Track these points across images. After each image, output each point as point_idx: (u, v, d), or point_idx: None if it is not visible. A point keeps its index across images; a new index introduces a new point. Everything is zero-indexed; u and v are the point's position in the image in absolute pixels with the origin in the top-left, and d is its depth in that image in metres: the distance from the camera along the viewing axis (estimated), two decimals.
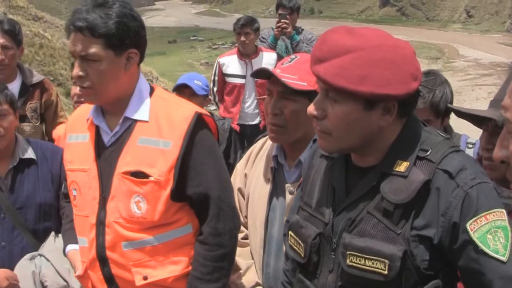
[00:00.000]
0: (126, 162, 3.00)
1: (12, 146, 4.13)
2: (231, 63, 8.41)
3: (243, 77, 8.26)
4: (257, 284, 3.34)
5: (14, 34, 5.46)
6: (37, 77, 5.77)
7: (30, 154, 4.15)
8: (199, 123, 3.02)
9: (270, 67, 8.04)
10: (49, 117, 5.77)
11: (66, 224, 3.56)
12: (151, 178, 2.95)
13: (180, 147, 2.96)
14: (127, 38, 2.97)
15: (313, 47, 2.29)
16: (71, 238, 3.40)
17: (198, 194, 3.02)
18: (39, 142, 4.44)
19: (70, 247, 3.46)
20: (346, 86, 2.16)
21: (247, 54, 8.35)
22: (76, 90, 4.61)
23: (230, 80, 8.33)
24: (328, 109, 2.24)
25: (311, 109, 2.28)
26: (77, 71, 2.94)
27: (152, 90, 3.15)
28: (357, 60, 2.17)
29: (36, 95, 5.54)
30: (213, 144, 3.10)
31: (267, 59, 8.30)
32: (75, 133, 3.22)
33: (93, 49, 2.89)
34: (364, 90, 2.16)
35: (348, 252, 2.25)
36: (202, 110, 3.11)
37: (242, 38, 8.29)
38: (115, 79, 2.97)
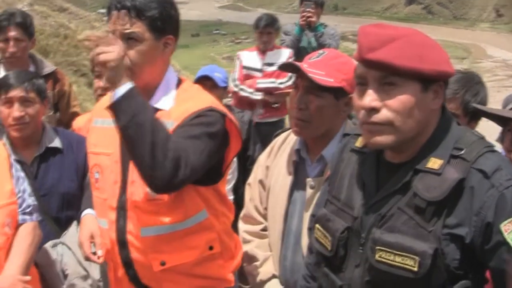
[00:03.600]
0: None
1: (39, 134, 4.18)
2: (249, 57, 8.42)
3: (259, 70, 8.28)
4: (274, 276, 3.37)
5: (25, 26, 5.50)
6: (49, 68, 5.82)
7: (56, 143, 4.19)
8: (207, 113, 2.98)
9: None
10: (62, 107, 5.81)
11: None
12: None
13: (176, 126, 2.93)
14: (168, 24, 3.01)
15: (358, 40, 2.27)
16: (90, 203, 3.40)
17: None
18: (66, 132, 4.50)
19: (88, 211, 3.48)
20: (410, 65, 2.16)
21: (265, 50, 8.37)
22: (99, 83, 4.60)
23: (247, 72, 8.35)
24: (385, 99, 2.21)
25: (367, 102, 2.22)
26: None
27: (179, 82, 3.17)
28: (408, 43, 2.20)
29: (48, 85, 5.49)
30: (210, 128, 2.96)
31: (281, 55, 8.31)
32: (102, 117, 3.22)
33: (138, 29, 2.92)
34: (426, 67, 2.18)
35: (377, 247, 2.24)
36: (220, 107, 3.08)
37: (264, 38, 8.30)
38: (151, 62, 2.99)
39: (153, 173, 2.73)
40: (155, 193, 2.90)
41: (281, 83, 8.02)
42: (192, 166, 2.81)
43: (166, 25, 3.01)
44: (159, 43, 3.01)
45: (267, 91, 8.07)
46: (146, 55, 2.96)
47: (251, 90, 8.13)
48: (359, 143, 2.51)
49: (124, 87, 2.74)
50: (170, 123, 2.93)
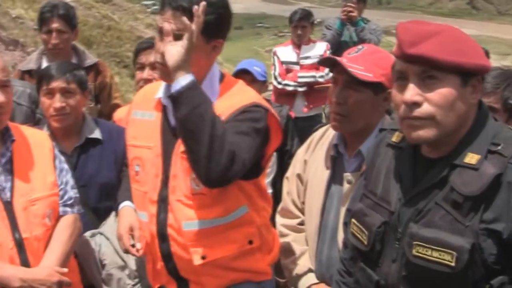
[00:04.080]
0: None
1: (80, 125, 4.23)
2: (285, 52, 8.50)
3: (296, 63, 8.30)
4: (310, 270, 3.38)
5: (68, 18, 5.55)
6: (91, 60, 5.87)
7: (96, 134, 4.23)
8: (253, 109, 3.01)
9: (319, 57, 8.06)
10: (103, 98, 5.85)
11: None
12: None
13: (224, 120, 2.93)
14: (221, 29, 3.03)
15: (398, 36, 2.28)
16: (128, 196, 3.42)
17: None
18: (106, 123, 4.54)
19: (126, 203, 3.48)
20: (450, 59, 2.18)
21: (300, 44, 8.41)
22: (142, 75, 4.61)
23: (286, 66, 8.37)
24: (426, 93, 2.22)
25: (408, 96, 2.23)
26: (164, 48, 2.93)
27: (222, 77, 3.18)
28: (447, 38, 2.23)
29: (90, 77, 5.55)
30: (254, 123, 2.99)
31: (317, 48, 8.35)
32: (141, 110, 3.25)
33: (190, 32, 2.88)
34: (466, 61, 2.20)
35: (414, 242, 2.25)
36: (263, 102, 3.10)
37: (299, 32, 8.38)
38: (196, 64, 2.97)
39: (209, 165, 2.76)
40: (207, 186, 2.92)
41: (321, 77, 8.03)
42: (243, 161, 2.86)
43: (218, 30, 3.02)
44: (208, 46, 3.02)
45: (308, 85, 8.09)
46: (193, 56, 2.93)
47: (294, 83, 8.16)
48: (395, 138, 2.52)
49: (185, 78, 2.79)
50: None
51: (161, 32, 2.96)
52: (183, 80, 2.78)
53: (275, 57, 8.51)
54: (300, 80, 8.18)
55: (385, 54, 3.22)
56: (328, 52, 8.23)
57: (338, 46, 8.19)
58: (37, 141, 3.47)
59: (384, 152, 2.55)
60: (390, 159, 2.51)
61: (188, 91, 2.78)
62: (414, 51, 2.20)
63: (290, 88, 8.21)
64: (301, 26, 8.36)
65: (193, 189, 3.01)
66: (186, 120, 2.78)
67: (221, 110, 2.95)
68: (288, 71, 8.32)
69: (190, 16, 2.85)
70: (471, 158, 2.22)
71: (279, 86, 8.27)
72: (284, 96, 8.17)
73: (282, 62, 8.37)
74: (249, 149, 2.91)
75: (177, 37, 2.89)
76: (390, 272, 2.38)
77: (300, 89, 8.23)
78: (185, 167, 2.99)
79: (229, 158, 2.77)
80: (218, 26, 2.98)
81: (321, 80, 8.06)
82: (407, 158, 2.44)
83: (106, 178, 4.13)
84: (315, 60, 7.87)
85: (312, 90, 8.18)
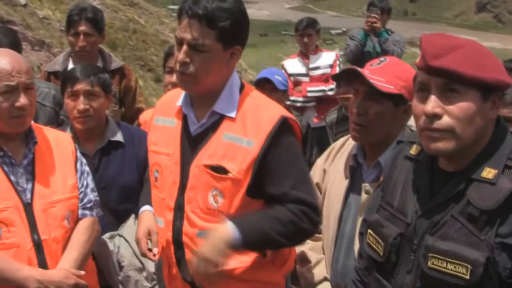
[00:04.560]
0: (208, 155, 3.04)
1: (102, 127, 4.27)
2: (293, 64, 8.51)
3: (306, 75, 8.31)
4: (325, 279, 3.39)
5: (96, 21, 5.62)
6: (116, 63, 5.92)
7: (119, 137, 4.28)
8: (283, 126, 3.02)
9: (329, 67, 8.02)
10: (127, 102, 5.89)
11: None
12: (230, 175, 2.98)
13: (261, 147, 2.97)
14: (237, 35, 3.03)
15: (422, 47, 2.30)
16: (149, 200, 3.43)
17: (281, 193, 3.02)
18: (128, 126, 4.58)
19: (146, 207, 3.47)
20: (473, 73, 2.20)
21: (307, 53, 8.43)
22: (170, 78, 4.61)
23: (295, 79, 8.37)
24: (447, 105, 2.23)
25: (429, 108, 2.24)
26: (183, 57, 2.96)
27: (242, 87, 3.19)
28: (470, 52, 2.24)
29: (115, 80, 5.63)
30: (295, 146, 3.10)
31: (326, 58, 8.37)
32: (163, 116, 3.28)
33: (206, 41, 2.92)
34: (488, 76, 2.21)
35: (430, 254, 2.26)
36: (289, 114, 3.12)
37: (305, 40, 8.40)
38: (216, 72, 3.01)
39: (302, 237, 3.20)
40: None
41: (330, 90, 8.03)
42: (308, 188, 3.10)
43: (235, 36, 3.02)
44: (226, 53, 3.02)
45: (318, 99, 8.08)
46: (211, 64, 2.98)
47: (302, 99, 8.19)
48: (413, 150, 2.53)
49: (237, 240, 2.89)
50: (251, 142, 2.98)
51: (178, 41, 3.00)
52: (238, 243, 2.90)
53: (282, 71, 8.48)
54: (309, 94, 8.19)
55: (406, 67, 3.23)
56: (338, 61, 8.26)
57: (362, 56, 8.16)
58: (59, 143, 3.50)
59: (402, 165, 2.56)
60: (407, 171, 2.52)
61: (247, 245, 2.93)
62: (437, 64, 2.22)
63: (298, 104, 8.24)
64: (307, 34, 8.39)
65: (210, 204, 3.03)
66: (260, 250, 3.09)
67: (253, 132, 3.00)
68: (297, 83, 8.32)
69: (206, 24, 2.89)
70: (488, 172, 2.23)
71: (288, 102, 8.29)
72: (294, 108, 8.20)
73: (290, 75, 8.33)
74: (305, 173, 3.14)
75: (192, 47, 2.93)
76: (405, 283, 2.40)
77: (309, 104, 8.25)
78: (206, 182, 3.03)
79: (307, 217, 3.01)
80: (234, 32, 2.99)
81: (330, 93, 8.01)
82: (424, 171, 2.45)
83: (126, 181, 4.16)
84: (325, 70, 7.92)
85: (322, 102, 8.17)
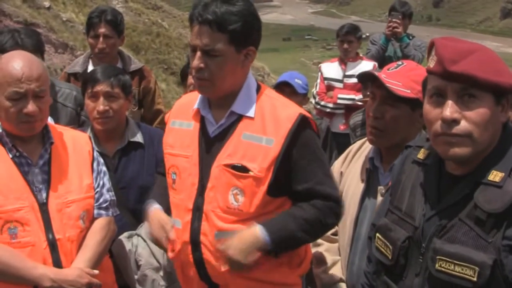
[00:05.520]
0: (228, 154, 3.07)
1: (122, 128, 4.31)
2: (330, 68, 8.47)
3: (340, 81, 8.29)
4: (341, 280, 3.41)
5: (115, 24, 5.67)
6: (136, 65, 5.97)
7: (138, 138, 4.31)
8: (302, 123, 3.06)
9: None
10: (146, 103, 5.94)
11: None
12: (251, 173, 3.01)
13: (281, 145, 3.01)
14: (250, 36, 3.06)
15: (437, 52, 2.30)
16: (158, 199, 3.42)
17: (307, 189, 3.08)
18: (148, 127, 4.61)
19: (151, 208, 3.39)
20: (490, 78, 2.21)
21: (345, 60, 8.40)
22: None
23: (328, 83, 8.35)
24: (464, 110, 2.24)
25: (448, 113, 2.24)
26: (198, 63, 3.01)
27: (259, 87, 3.22)
28: (484, 57, 2.26)
29: (135, 81, 5.64)
30: (315, 142, 3.14)
31: (363, 67, 8.23)
32: (179, 119, 3.31)
33: (218, 45, 2.96)
34: (503, 80, 2.23)
35: (437, 257, 2.27)
36: (306, 113, 3.15)
37: (345, 46, 8.33)
38: (232, 74, 3.05)
39: (328, 231, 3.34)
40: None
41: (360, 100, 7.98)
42: (332, 182, 3.18)
43: (247, 38, 3.05)
44: (240, 55, 3.06)
45: (347, 107, 8.07)
46: (226, 67, 3.02)
47: (331, 105, 8.18)
48: (421, 154, 2.54)
49: (265, 240, 2.99)
50: (270, 141, 3.02)
51: (192, 48, 3.06)
52: (265, 245, 3.00)
53: (319, 73, 8.52)
54: (339, 101, 8.17)
55: (423, 71, 3.22)
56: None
57: (382, 61, 8.15)
58: (76, 143, 3.53)
59: (410, 169, 2.58)
60: (415, 175, 2.54)
61: (275, 247, 3.04)
62: (456, 69, 2.22)
63: (328, 110, 8.24)
64: (348, 40, 8.31)
65: (230, 203, 3.05)
66: (291, 249, 3.18)
67: (272, 129, 3.04)
68: (329, 88, 8.30)
69: (217, 29, 2.94)
70: (495, 175, 2.24)
71: (317, 107, 8.29)
72: (323, 113, 8.25)
73: (325, 78, 8.35)
74: (327, 170, 3.19)
75: (205, 52, 2.97)
76: (413, 285, 2.41)
77: (338, 111, 8.23)
78: (226, 181, 3.06)
79: (331, 214, 3.12)
80: (245, 34, 3.02)
81: (360, 103, 7.94)
82: (432, 175, 2.46)
83: (145, 181, 4.16)
84: None
85: (351, 110, 8.07)
